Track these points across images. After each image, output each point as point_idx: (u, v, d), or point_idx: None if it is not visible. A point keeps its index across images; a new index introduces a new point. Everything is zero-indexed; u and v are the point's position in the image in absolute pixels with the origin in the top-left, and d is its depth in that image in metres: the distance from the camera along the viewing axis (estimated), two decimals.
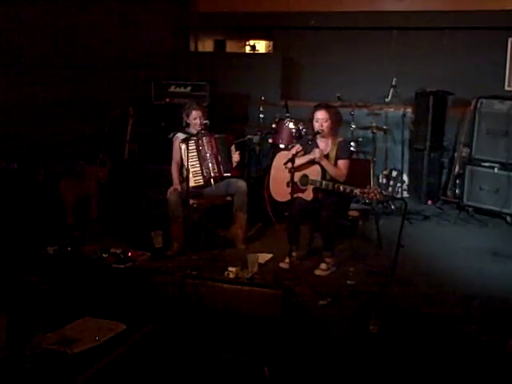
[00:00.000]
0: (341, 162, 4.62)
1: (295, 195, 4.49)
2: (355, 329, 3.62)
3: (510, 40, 6.76)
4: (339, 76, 7.46)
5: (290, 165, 4.33)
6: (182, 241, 4.87)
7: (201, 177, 4.97)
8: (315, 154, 4.51)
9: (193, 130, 4.99)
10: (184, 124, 5.05)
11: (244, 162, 6.50)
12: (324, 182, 4.50)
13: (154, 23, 7.24)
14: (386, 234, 5.20)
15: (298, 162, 4.53)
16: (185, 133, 4.98)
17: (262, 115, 6.64)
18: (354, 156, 6.19)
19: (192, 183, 4.87)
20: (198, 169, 4.96)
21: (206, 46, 8.54)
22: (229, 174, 5.04)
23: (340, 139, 4.72)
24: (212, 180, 4.99)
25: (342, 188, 4.39)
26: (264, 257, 4.82)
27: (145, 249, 4.92)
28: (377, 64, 7.30)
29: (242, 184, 5.04)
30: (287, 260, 4.59)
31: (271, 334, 2.98)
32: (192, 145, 4.85)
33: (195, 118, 4.95)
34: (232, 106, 7.35)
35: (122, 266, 4.52)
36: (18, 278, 3.40)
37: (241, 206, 5.01)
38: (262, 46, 9.68)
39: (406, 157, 6.88)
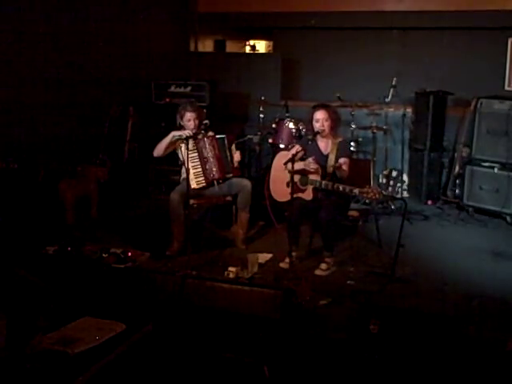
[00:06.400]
0: (342, 161, 4.62)
1: (295, 195, 4.49)
2: (355, 329, 3.62)
3: (510, 40, 6.76)
4: (339, 76, 7.47)
5: (289, 165, 4.33)
6: (182, 241, 4.87)
7: (203, 178, 4.96)
8: (315, 166, 4.51)
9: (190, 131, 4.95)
10: (178, 125, 5.03)
11: (244, 161, 6.51)
12: (324, 182, 4.50)
13: (154, 23, 7.24)
14: (386, 233, 5.19)
15: (298, 167, 4.52)
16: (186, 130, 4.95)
17: (261, 115, 6.65)
18: (354, 156, 6.20)
19: (194, 185, 4.87)
20: (200, 170, 4.95)
21: (206, 45, 8.54)
22: (231, 175, 5.05)
23: (340, 139, 4.72)
24: (215, 182, 5.00)
25: (341, 188, 4.39)
26: (264, 257, 4.82)
27: (145, 249, 4.93)
28: (377, 64, 7.31)
29: (246, 183, 5.03)
30: (287, 260, 4.59)
31: (271, 334, 2.98)
32: (192, 145, 4.84)
33: (189, 120, 4.91)
34: (232, 106, 7.36)
35: (122, 266, 4.52)
36: (18, 277, 3.40)
37: (244, 205, 5.00)
38: (261, 45, 9.71)
39: (406, 157, 6.88)
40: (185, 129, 4.92)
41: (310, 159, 4.52)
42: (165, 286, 3.31)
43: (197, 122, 4.92)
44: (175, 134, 4.86)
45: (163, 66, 7.29)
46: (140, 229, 5.55)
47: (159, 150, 4.92)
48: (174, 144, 4.91)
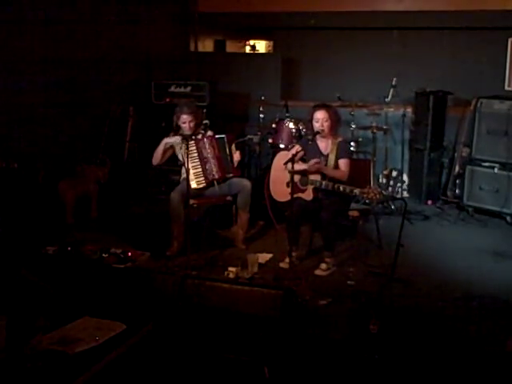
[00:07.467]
0: (342, 162, 4.63)
1: (295, 195, 4.49)
2: (355, 329, 3.62)
3: (510, 40, 6.76)
4: (339, 76, 7.47)
5: (289, 165, 4.33)
6: (181, 241, 4.87)
7: (203, 178, 4.96)
8: (318, 166, 4.52)
9: (186, 132, 4.95)
10: (175, 125, 5.01)
11: (244, 161, 6.51)
12: (324, 182, 4.50)
13: (154, 23, 7.24)
14: (386, 233, 5.19)
15: (298, 167, 4.52)
16: (178, 135, 4.93)
17: (261, 115, 6.64)
18: (354, 156, 6.20)
19: (194, 185, 4.87)
20: (200, 170, 4.95)
21: (206, 45, 8.54)
22: (231, 175, 5.05)
23: (340, 139, 4.73)
24: (215, 182, 5.00)
25: (341, 188, 4.39)
26: (264, 257, 4.83)
27: (145, 249, 4.93)
28: (377, 64, 7.31)
29: (246, 183, 5.03)
30: (287, 260, 4.59)
31: (271, 333, 2.98)
32: (192, 146, 4.83)
33: (184, 122, 4.90)
34: (232, 106, 7.35)
35: (122, 266, 4.52)
36: (18, 277, 3.40)
37: (244, 205, 5.00)
38: (261, 45, 9.70)
39: (406, 157, 6.88)
40: (182, 130, 4.93)
41: (313, 161, 4.52)
42: (165, 286, 3.30)
43: (192, 124, 4.91)
44: (167, 141, 4.92)
45: (163, 66, 7.29)
46: (140, 229, 5.54)
47: (156, 158, 4.97)
48: (170, 149, 4.94)
